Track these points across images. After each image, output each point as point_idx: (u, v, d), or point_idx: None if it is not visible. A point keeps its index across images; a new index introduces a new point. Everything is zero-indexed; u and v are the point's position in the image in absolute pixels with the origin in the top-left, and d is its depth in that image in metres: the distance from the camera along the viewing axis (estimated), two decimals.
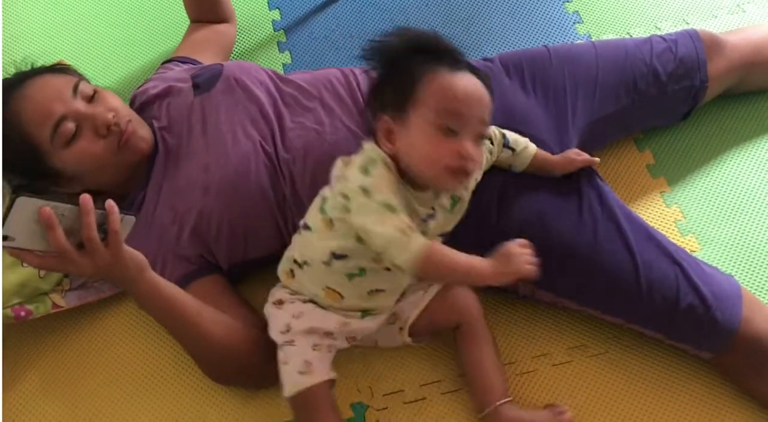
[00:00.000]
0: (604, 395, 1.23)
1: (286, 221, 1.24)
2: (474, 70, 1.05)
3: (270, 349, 1.15)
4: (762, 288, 1.31)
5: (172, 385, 1.30)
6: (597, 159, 1.23)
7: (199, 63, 1.50)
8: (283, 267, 1.16)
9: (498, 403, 1.15)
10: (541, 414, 1.17)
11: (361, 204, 0.97)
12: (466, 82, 1.02)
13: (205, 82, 1.32)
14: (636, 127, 1.45)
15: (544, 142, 1.24)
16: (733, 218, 1.40)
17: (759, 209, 1.40)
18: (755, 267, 1.34)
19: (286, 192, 1.22)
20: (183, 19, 1.66)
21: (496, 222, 1.19)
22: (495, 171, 1.21)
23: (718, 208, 1.41)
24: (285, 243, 1.26)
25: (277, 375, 1.12)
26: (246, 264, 1.28)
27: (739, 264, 1.34)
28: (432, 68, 1.01)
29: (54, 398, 1.31)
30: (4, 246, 0.93)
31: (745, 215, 1.40)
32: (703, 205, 1.42)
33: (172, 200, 1.23)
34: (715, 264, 1.23)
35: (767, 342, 1.14)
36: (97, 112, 1.21)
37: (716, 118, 1.51)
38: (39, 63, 1.30)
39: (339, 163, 1.07)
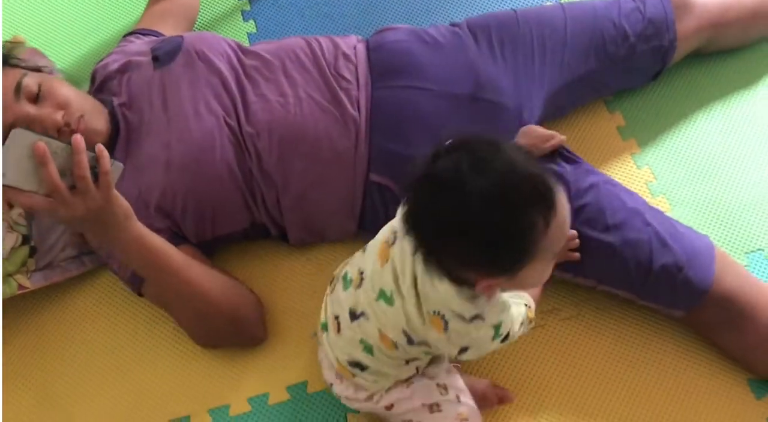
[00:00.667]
0: (577, 357, 1.23)
1: (254, 197, 1.22)
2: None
3: (259, 304, 1.16)
4: (733, 247, 1.32)
5: (145, 360, 1.29)
6: (564, 137, 1.21)
7: (161, 35, 1.46)
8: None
9: None
10: (482, 382, 1.18)
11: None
12: (565, 203, 0.86)
13: (165, 55, 1.29)
14: (606, 89, 1.44)
15: (512, 109, 1.22)
16: (704, 178, 1.40)
17: (730, 169, 1.40)
18: (726, 227, 1.34)
19: (253, 167, 1.21)
20: None
21: None
22: None
23: (689, 168, 1.41)
24: (253, 220, 1.25)
25: (266, 331, 1.12)
26: (215, 241, 1.26)
27: (710, 224, 1.34)
28: (544, 214, 0.82)
29: (23, 379, 1.30)
30: None
31: (716, 175, 1.40)
32: (673, 165, 1.41)
33: (135, 178, 1.20)
34: (685, 224, 1.23)
35: (738, 299, 1.14)
36: (44, 114, 1.15)
37: (686, 78, 1.50)
38: None
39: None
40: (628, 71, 1.39)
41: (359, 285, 1.00)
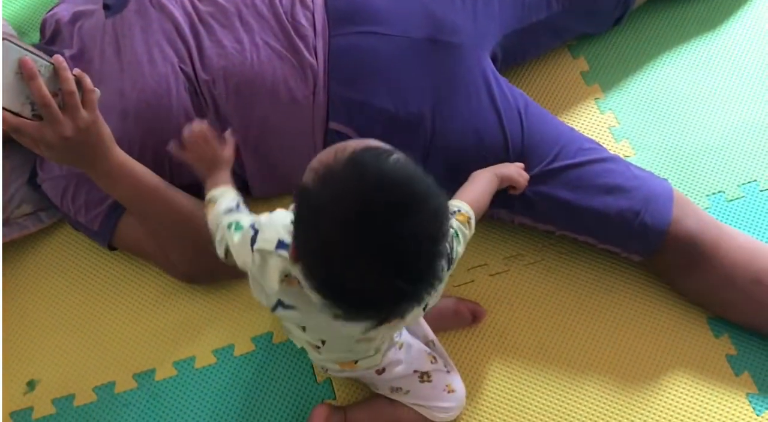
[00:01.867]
0: (541, 302, 1.25)
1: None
2: None
3: None
4: (694, 191, 1.33)
5: (107, 314, 1.28)
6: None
7: None
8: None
9: None
10: (449, 300, 1.20)
11: None
12: None
13: (116, 2, 1.24)
14: (569, 34, 1.42)
15: (471, 50, 1.21)
16: (667, 122, 1.40)
17: (692, 112, 1.40)
18: (688, 170, 1.35)
19: (210, 115, 1.18)
20: None
21: (430, 140, 1.18)
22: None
23: (652, 113, 1.41)
24: None
25: None
26: (189, 188, 1.24)
27: (673, 168, 1.35)
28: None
29: None
30: None
31: (679, 119, 1.40)
32: (637, 110, 1.41)
33: None
34: (648, 169, 1.23)
35: (698, 240, 1.15)
36: None
37: (649, 23, 1.49)
38: None
39: None
40: (589, 15, 1.38)
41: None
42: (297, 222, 0.77)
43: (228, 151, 1.07)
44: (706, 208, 1.30)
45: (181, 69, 1.18)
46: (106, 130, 1.04)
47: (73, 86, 0.97)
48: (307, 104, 1.19)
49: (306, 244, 0.75)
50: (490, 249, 1.28)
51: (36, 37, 1.37)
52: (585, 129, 1.38)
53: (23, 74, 0.92)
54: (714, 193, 1.32)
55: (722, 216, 1.30)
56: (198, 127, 1.04)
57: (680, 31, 1.49)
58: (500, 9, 1.27)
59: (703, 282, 1.18)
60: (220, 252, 0.96)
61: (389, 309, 0.75)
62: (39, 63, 0.93)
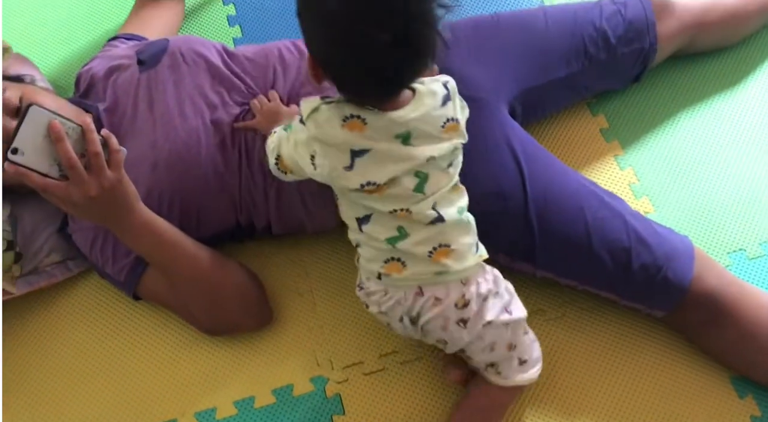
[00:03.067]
0: (562, 358, 1.24)
1: (241, 196, 1.23)
2: None
3: (263, 287, 1.23)
4: (716, 248, 1.33)
5: (131, 364, 1.29)
6: None
7: (145, 39, 1.46)
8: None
9: None
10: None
11: None
12: None
13: (150, 57, 1.29)
14: (588, 91, 1.45)
15: (491, 104, 1.24)
16: (687, 179, 1.41)
17: (712, 170, 1.41)
18: (709, 227, 1.35)
19: (240, 165, 1.21)
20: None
21: None
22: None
23: (672, 169, 1.42)
24: (238, 219, 1.25)
25: (272, 312, 1.21)
26: (200, 242, 1.27)
27: (693, 225, 1.36)
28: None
29: (11, 383, 1.29)
30: (11, 161, 0.94)
31: (699, 176, 1.41)
32: (656, 167, 1.42)
33: None
34: (669, 226, 1.24)
35: (719, 298, 1.15)
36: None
37: (668, 80, 1.52)
38: None
39: None
40: (609, 73, 1.40)
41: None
42: (303, 19, 0.91)
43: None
44: (728, 266, 1.30)
45: (212, 121, 1.21)
46: (131, 189, 1.07)
47: (99, 148, 1.00)
48: None
49: (316, 33, 0.91)
50: (545, 295, 1.28)
51: (71, 92, 1.41)
52: (605, 185, 1.39)
53: (51, 137, 0.96)
54: (735, 251, 1.32)
55: (743, 274, 1.29)
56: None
57: (699, 88, 1.51)
58: (516, 65, 1.30)
59: (724, 339, 1.17)
60: (272, 160, 1.07)
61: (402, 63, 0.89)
62: (67, 125, 0.97)
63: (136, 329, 1.32)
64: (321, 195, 1.23)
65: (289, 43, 1.33)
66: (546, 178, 1.20)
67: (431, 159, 0.97)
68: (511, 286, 1.11)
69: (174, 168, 1.19)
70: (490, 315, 1.05)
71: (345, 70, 0.91)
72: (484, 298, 1.05)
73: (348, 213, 1.05)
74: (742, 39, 1.54)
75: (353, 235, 1.07)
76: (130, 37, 1.47)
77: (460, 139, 1.01)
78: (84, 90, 1.34)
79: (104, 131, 1.03)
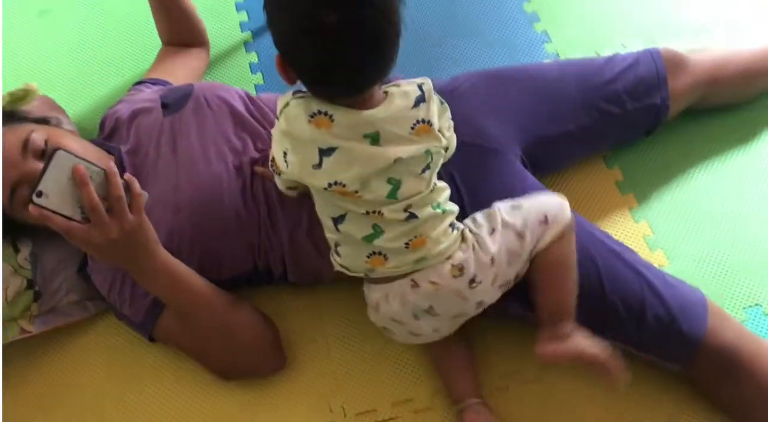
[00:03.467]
0: (578, 409, 1.23)
1: (260, 241, 1.24)
2: None
3: (277, 332, 1.24)
4: (731, 303, 1.33)
5: (146, 405, 1.29)
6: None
7: (170, 84, 1.50)
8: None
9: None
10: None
11: None
12: None
13: (175, 101, 1.32)
14: (601, 144, 1.47)
15: (503, 154, 1.26)
16: (702, 233, 1.41)
17: (727, 224, 1.42)
18: (724, 282, 1.35)
19: (260, 211, 1.23)
20: (155, 42, 1.66)
21: None
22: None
23: (686, 223, 1.43)
24: (256, 264, 1.26)
25: (285, 358, 1.22)
26: (217, 284, 1.28)
27: (708, 279, 1.36)
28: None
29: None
30: (35, 204, 0.97)
31: (714, 230, 1.41)
32: (671, 220, 1.43)
33: None
34: (683, 279, 1.24)
35: (735, 352, 1.15)
36: None
37: (683, 134, 1.53)
38: (9, 87, 1.28)
39: None
40: (622, 128, 1.42)
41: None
42: (267, 14, 0.93)
43: None
44: (744, 321, 1.30)
45: (235, 167, 1.24)
46: (151, 233, 1.09)
47: (122, 192, 1.02)
48: None
49: (276, 24, 0.93)
50: (525, 355, 1.26)
51: (95, 134, 1.43)
52: (620, 238, 1.39)
53: (75, 181, 0.99)
54: (751, 306, 1.32)
55: (760, 330, 1.29)
56: None
57: (714, 142, 1.52)
58: (528, 117, 1.32)
59: (738, 395, 1.17)
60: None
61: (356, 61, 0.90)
62: (91, 169, 1.00)
63: (150, 371, 1.32)
64: None
65: None
66: None
67: (399, 160, 0.99)
68: (484, 212, 1.13)
69: (196, 211, 1.21)
70: (488, 254, 1.08)
71: (303, 59, 0.93)
72: (474, 248, 1.08)
73: (324, 212, 1.08)
74: (755, 95, 1.56)
75: (331, 235, 1.11)
76: (155, 82, 1.51)
77: (434, 142, 1.02)
78: (108, 132, 1.37)
79: (127, 175, 1.05)
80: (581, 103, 1.35)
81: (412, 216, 1.04)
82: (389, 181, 1.00)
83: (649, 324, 1.16)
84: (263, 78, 1.71)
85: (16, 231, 1.25)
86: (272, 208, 1.23)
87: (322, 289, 1.37)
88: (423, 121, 1.00)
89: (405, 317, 1.11)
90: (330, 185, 1.00)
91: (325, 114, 0.97)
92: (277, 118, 1.02)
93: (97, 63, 1.77)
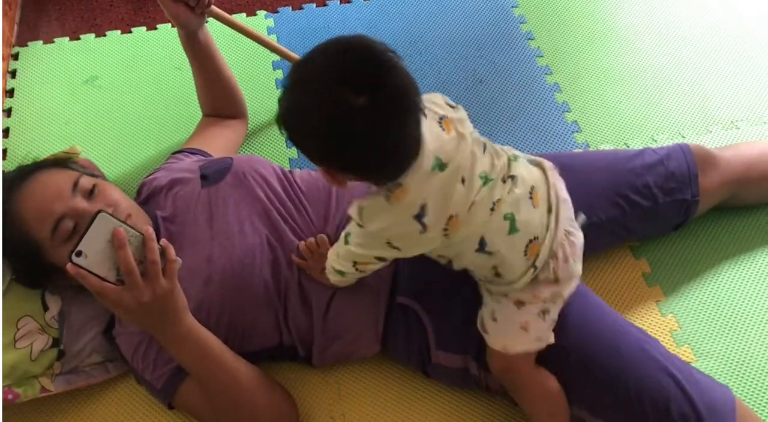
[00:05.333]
0: None
1: (287, 317, 1.25)
2: None
3: (296, 408, 1.23)
4: (758, 401, 1.30)
5: None
6: None
7: (209, 155, 1.54)
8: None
9: None
10: None
11: None
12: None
13: (213, 174, 1.35)
14: (629, 235, 1.47)
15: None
16: (730, 330, 1.40)
17: (755, 323, 1.40)
18: (751, 381, 1.33)
19: (291, 288, 1.24)
20: (195, 113, 1.71)
21: None
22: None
23: (714, 319, 1.41)
24: (281, 340, 1.27)
25: None
26: (242, 356, 1.28)
27: (735, 377, 1.33)
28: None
29: None
30: (73, 263, 1.00)
31: (742, 327, 1.40)
32: (698, 315, 1.42)
33: None
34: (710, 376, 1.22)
35: None
36: (95, 207, 1.20)
37: (712, 230, 1.54)
38: (53, 149, 1.33)
39: None
40: (651, 220, 1.42)
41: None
42: (297, 141, 0.94)
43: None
44: None
45: (269, 243, 1.25)
46: (182, 299, 1.11)
47: (157, 257, 1.05)
48: (377, 279, 1.25)
49: (314, 146, 0.93)
50: None
51: (132, 197, 1.46)
52: (646, 331, 1.38)
53: (114, 243, 1.02)
54: None
55: None
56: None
57: (742, 240, 1.52)
58: None
59: None
60: (346, 268, 1.12)
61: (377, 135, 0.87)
62: (130, 233, 1.04)
63: None
64: (365, 318, 1.25)
65: None
66: (582, 312, 1.21)
67: (468, 155, 1.00)
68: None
69: (227, 284, 1.22)
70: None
71: (358, 157, 0.91)
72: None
73: (470, 259, 1.08)
74: None
75: (484, 272, 1.11)
76: (193, 152, 1.55)
77: (462, 127, 1.01)
78: (145, 197, 1.40)
79: (163, 241, 1.08)
80: (611, 193, 1.36)
81: (511, 178, 1.06)
82: (480, 177, 1.01)
83: (674, 421, 1.13)
84: (297, 152, 1.75)
85: (45, 276, 1.26)
86: (304, 286, 1.25)
87: (341, 365, 1.37)
88: (444, 117, 1.01)
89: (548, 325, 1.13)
90: (445, 230, 1.00)
91: (399, 185, 0.96)
92: (360, 226, 1.02)
93: (138, 130, 1.83)
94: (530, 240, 1.07)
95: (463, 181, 0.99)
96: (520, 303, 1.11)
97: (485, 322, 1.15)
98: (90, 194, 1.23)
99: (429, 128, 0.97)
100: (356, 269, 1.12)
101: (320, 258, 1.22)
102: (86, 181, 1.24)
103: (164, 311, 1.08)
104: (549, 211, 1.10)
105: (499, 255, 1.06)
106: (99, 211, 1.02)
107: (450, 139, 0.99)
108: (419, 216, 0.98)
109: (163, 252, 1.07)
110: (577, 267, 1.13)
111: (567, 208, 1.14)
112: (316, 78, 0.88)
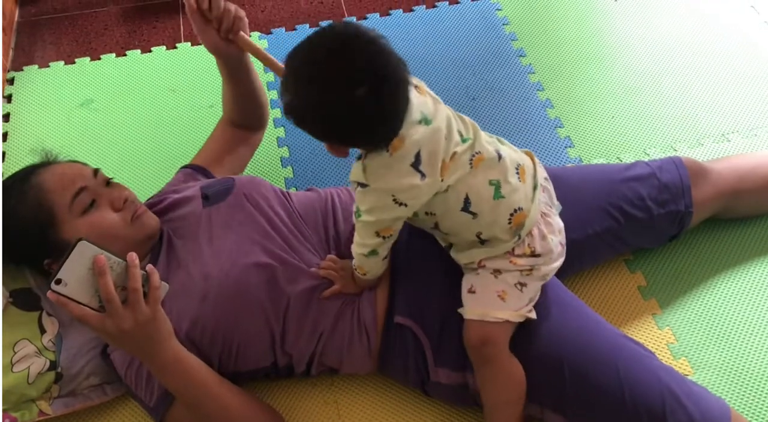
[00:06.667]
0: None
1: (284, 337, 1.25)
2: None
3: None
4: (755, 414, 1.30)
5: None
6: None
7: (213, 176, 1.50)
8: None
9: None
10: None
11: None
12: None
13: (215, 194, 1.35)
14: (624, 247, 1.48)
15: None
16: (727, 342, 1.40)
17: (751, 334, 1.41)
18: (748, 393, 1.33)
19: (287, 310, 1.24)
20: (194, 136, 1.71)
21: None
22: None
23: (710, 331, 1.42)
24: (275, 360, 1.27)
25: None
26: (235, 376, 1.28)
27: (732, 389, 1.33)
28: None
29: None
30: (54, 290, 0.99)
31: (739, 340, 1.40)
32: (695, 328, 1.42)
33: (169, 302, 1.23)
34: (707, 388, 1.22)
35: None
36: (113, 191, 1.28)
37: (707, 241, 1.55)
38: None
39: None
40: (646, 232, 1.43)
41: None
42: (305, 123, 1.02)
43: None
44: None
45: (268, 264, 1.25)
46: (166, 326, 1.11)
47: (139, 284, 1.04)
48: (372, 302, 1.25)
49: (320, 126, 1.03)
50: None
51: None
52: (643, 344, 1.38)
53: (94, 270, 1.01)
54: None
55: None
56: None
57: (737, 252, 1.53)
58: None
59: None
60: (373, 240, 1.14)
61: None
62: (112, 260, 1.03)
63: None
64: (358, 339, 1.26)
65: (339, 190, 1.40)
66: (578, 325, 1.22)
67: (449, 115, 1.10)
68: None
69: (223, 302, 1.22)
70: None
71: (365, 137, 1.04)
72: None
73: (455, 219, 1.12)
74: None
75: (468, 236, 1.15)
76: (199, 169, 1.52)
77: (434, 95, 1.12)
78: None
79: (149, 266, 1.08)
80: (606, 205, 1.37)
81: (498, 155, 1.12)
82: (458, 132, 1.09)
83: None
84: (293, 172, 1.77)
85: (46, 255, 1.24)
86: (298, 308, 1.24)
87: (339, 383, 1.37)
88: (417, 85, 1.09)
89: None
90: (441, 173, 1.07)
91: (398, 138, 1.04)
92: (363, 186, 1.07)
93: (134, 152, 1.84)
94: (515, 211, 1.12)
95: (444, 136, 1.07)
96: (497, 272, 1.15)
97: (464, 299, 1.18)
98: (107, 184, 1.29)
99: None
100: (382, 237, 1.14)
101: (344, 267, 1.25)
102: (104, 175, 1.30)
103: (147, 338, 1.08)
104: (534, 188, 1.16)
105: (483, 220, 1.11)
106: (79, 239, 1.01)
107: (426, 100, 1.07)
108: (416, 165, 1.04)
109: (147, 278, 1.06)
110: (555, 244, 1.17)
111: (548, 194, 1.21)
112: (318, 76, 0.98)
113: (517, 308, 1.15)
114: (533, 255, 1.14)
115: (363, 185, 1.07)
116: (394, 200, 1.06)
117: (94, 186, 1.26)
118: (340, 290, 1.25)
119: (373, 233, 1.13)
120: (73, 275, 1.00)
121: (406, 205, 1.07)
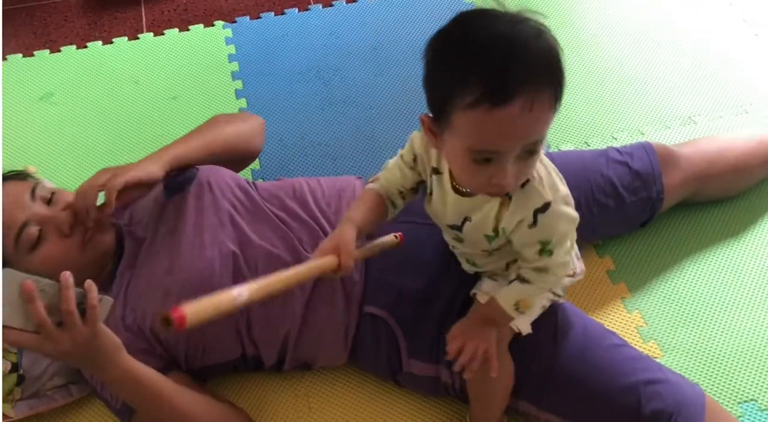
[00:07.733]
0: None
1: (250, 329, 1.23)
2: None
3: None
4: (726, 397, 1.31)
5: None
6: None
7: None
8: None
9: None
10: None
11: None
12: (505, 118, 0.85)
13: (177, 184, 1.32)
14: (596, 235, 1.48)
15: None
16: (696, 325, 1.41)
17: (721, 316, 1.42)
18: (719, 375, 1.34)
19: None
20: (156, 130, 1.69)
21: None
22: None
23: (679, 314, 1.42)
24: (244, 353, 1.25)
25: None
26: (203, 370, 1.26)
27: (702, 372, 1.34)
28: (467, 102, 0.87)
29: None
30: None
31: (708, 322, 1.41)
32: (664, 311, 1.43)
33: (134, 301, 1.22)
34: (677, 371, 1.22)
35: None
36: (57, 213, 1.21)
37: (675, 225, 1.55)
38: (8, 166, 1.30)
39: None
40: (618, 219, 1.43)
41: None
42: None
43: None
44: (739, 416, 1.28)
45: (229, 253, 1.23)
46: (109, 341, 1.05)
47: (72, 306, 0.98)
48: (347, 289, 1.24)
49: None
50: None
51: None
52: (612, 328, 1.37)
53: (23, 297, 0.96)
54: (747, 401, 1.30)
55: None
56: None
57: (706, 234, 1.54)
58: None
59: None
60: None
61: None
62: (42, 283, 0.97)
63: None
64: (334, 329, 1.24)
65: (308, 180, 1.38)
66: (549, 315, 1.20)
67: None
68: None
69: (185, 297, 1.18)
70: None
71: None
72: None
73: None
74: (746, 189, 1.59)
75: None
76: None
77: None
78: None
79: (87, 283, 1.01)
80: (580, 195, 1.35)
81: None
82: None
83: (647, 420, 1.13)
84: (259, 163, 1.74)
85: None
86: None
87: (310, 376, 1.36)
88: None
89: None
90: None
91: None
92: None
93: (95, 145, 1.80)
94: None
95: None
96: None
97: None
98: (49, 201, 1.22)
99: None
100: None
101: (474, 327, 1.11)
102: (43, 190, 1.23)
103: (90, 357, 1.04)
104: None
105: None
106: (3, 268, 0.97)
107: None
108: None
109: (84, 296, 1.01)
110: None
111: None
112: (468, 73, 0.90)
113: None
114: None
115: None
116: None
117: (36, 212, 1.19)
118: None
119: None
120: (6, 302, 0.95)
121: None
